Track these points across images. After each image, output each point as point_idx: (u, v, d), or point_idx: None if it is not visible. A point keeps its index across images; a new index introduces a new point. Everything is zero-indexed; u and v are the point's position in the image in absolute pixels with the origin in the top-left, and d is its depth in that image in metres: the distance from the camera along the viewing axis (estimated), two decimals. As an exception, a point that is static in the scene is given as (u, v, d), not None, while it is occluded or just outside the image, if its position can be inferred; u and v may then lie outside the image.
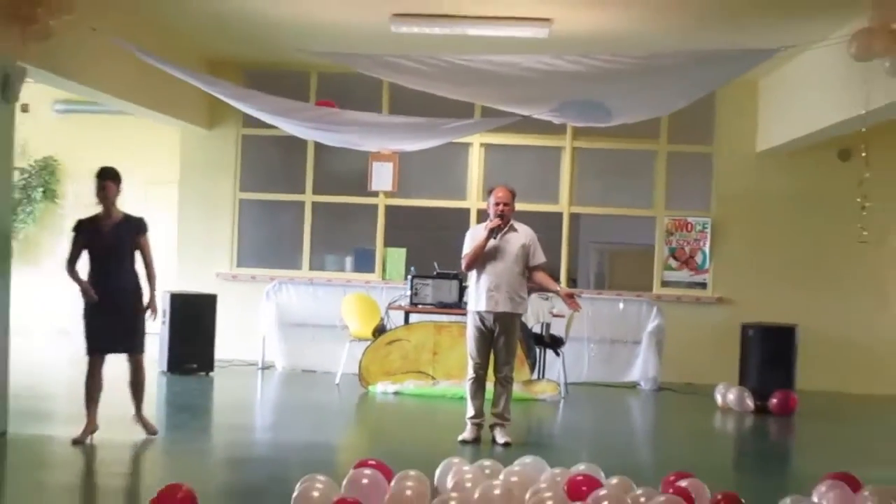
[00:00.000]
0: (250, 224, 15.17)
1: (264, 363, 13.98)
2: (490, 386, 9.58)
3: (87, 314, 8.74)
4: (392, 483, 6.50)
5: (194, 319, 13.16)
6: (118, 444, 8.72)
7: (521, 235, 9.48)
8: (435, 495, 6.37)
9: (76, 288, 8.74)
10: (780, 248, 14.33)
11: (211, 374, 13.20)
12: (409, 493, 6.28)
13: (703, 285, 14.52)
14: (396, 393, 12.20)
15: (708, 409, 12.31)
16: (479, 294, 9.42)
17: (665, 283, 14.58)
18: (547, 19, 11.16)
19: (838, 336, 13.91)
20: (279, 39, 12.74)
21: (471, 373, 9.52)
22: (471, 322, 9.53)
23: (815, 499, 6.58)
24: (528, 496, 6.29)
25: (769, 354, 12.38)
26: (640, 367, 13.75)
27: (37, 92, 11.93)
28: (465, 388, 9.64)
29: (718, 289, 14.46)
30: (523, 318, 9.92)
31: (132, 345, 8.93)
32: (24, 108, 9.86)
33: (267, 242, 15.29)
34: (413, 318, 12.96)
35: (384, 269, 14.83)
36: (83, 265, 8.82)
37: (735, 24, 11.19)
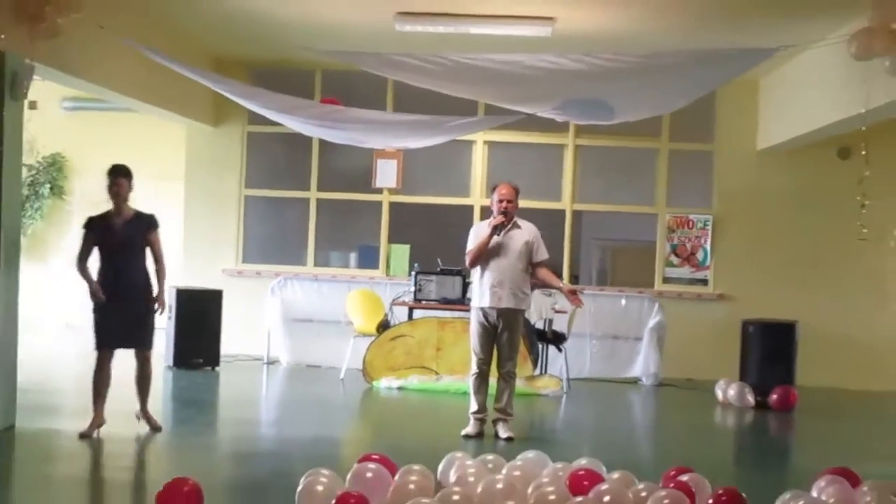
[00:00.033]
0: (256, 220, 15.23)
1: (269, 358, 14.04)
2: (493, 381, 9.65)
3: (98, 310, 8.79)
4: (396, 477, 6.57)
5: (200, 315, 13.21)
6: (125, 439, 8.78)
7: (525, 232, 9.53)
8: (438, 489, 6.41)
9: (85, 286, 8.80)
10: (781, 246, 14.38)
11: (216, 368, 13.25)
12: (412, 487, 6.34)
13: (704, 282, 14.57)
14: (400, 388, 12.27)
15: (708, 404, 12.36)
16: (482, 290, 9.48)
17: (666, 280, 14.64)
18: (550, 18, 11.20)
19: (838, 332, 13.96)
20: (285, 38, 12.77)
21: (474, 368, 9.58)
22: (474, 318, 9.59)
23: (814, 493, 6.60)
24: (530, 490, 6.34)
25: (769, 351, 12.43)
26: (642, 363, 13.81)
27: (45, 89, 11.96)
28: (469, 383, 9.68)
29: (719, 285, 14.51)
30: (526, 314, 9.97)
31: (141, 341, 9.00)
32: (33, 106, 9.88)
33: (272, 239, 15.34)
34: (417, 313, 13.00)
35: (388, 266, 14.88)
36: (93, 262, 8.88)
37: (736, 24, 11.22)
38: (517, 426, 9.67)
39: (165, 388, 11.82)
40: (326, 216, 15.12)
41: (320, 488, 6.22)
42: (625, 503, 6.15)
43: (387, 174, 14.73)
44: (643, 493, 6.33)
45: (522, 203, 9.75)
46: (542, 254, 9.58)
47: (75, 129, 17.21)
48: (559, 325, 12.93)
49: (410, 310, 13.01)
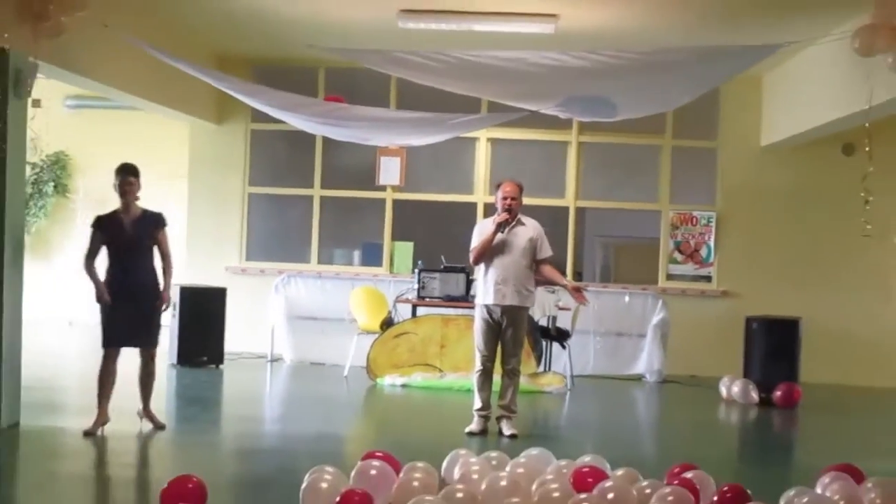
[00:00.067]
0: (259, 218, 15.24)
1: (273, 356, 14.06)
2: (497, 378, 9.66)
3: (105, 308, 8.80)
4: (400, 475, 6.58)
5: (204, 312, 13.22)
6: (129, 436, 8.79)
7: (529, 229, 9.53)
8: (442, 487, 6.42)
9: (90, 285, 8.79)
10: (784, 242, 14.38)
11: (220, 366, 13.26)
12: (416, 484, 6.34)
13: (707, 278, 14.57)
14: (404, 385, 12.28)
15: (712, 401, 12.36)
16: (486, 287, 9.49)
17: (670, 277, 14.64)
18: (553, 15, 11.21)
19: (842, 329, 13.96)
20: (288, 35, 12.78)
21: (478, 365, 9.59)
22: (478, 315, 9.60)
23: (818, 490, 6.60)
24: (534, 488, 6.35)
25: (773, 347, 12.44)
26: (646, 360, 13.81)
27: (48, 87, 12.00)
28: (473, 380, 9.70)
29: (723, 282, 14.51)
30: (529, 312, 9.98)
31: (148, 339, 9.02)
32: (36, 104, 9.90)
33: (275, 236, 15.36)
34: (420, 311, 13.00)
35: (392, 263, 14.88)
36: (100, 260, 8.89)
37: (739, 20, 11.21)
38: (521, 423, 9.68)
39: (169, 385, 11.84)
40: (330, 214, 15.13)
41: (324, 485, 6.22)
42: (629, 500, 6.16)
43: (390, 171, 14.73)
44: (647, 491, 6.33)
45: (526, 200, 9.76)
46: (546, 251, 9.58)
47: (79, 127, 17.29)
48: (563, 322, 12.92)
49: (414, 307, 13.01)
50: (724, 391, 12.43)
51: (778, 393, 11.95)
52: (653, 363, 13.73)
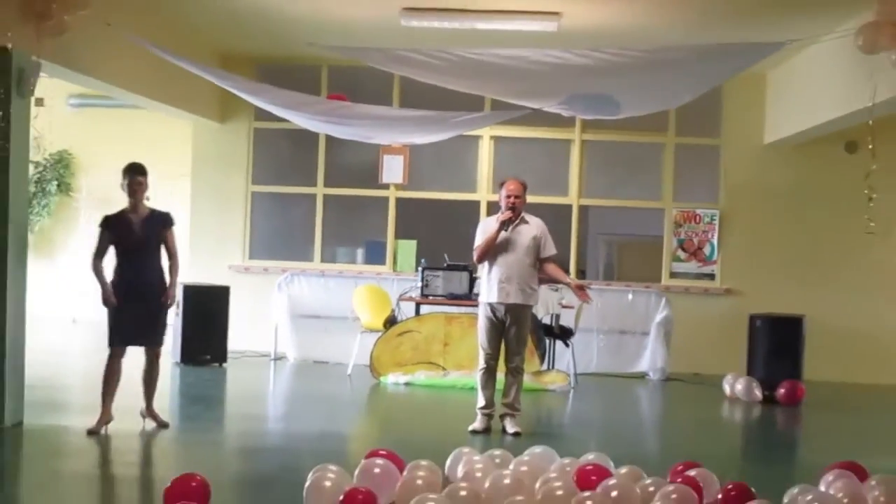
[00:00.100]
0: (262, 217, 15.25)
1: (276, 354, 14.06)
2: (501, 376, 9.66)
3: (115, 307, 8.83)
4: (404, 473, 6.58)
5: (207, 311, 13.23)
6: (132, 435, 8.80)
7: (533, 227, 9.54)
8: (445, 485, 6.42)
9: (97, 286, 8.79)
10: (788, 240, 14.37)
11: (224, 365, 13.27)
12: (420, 482, 6.35)
13: (711, 276, 14.57)
14: (407, 383, 12.28)
15: (716, 399, 12.36)
16: (490, 285, 9.49)
17: (673, 275, 14.63)
18: (555, 13, 11.21)
19: (845, 326, 13.96)
20: (291, 34, 12.78)
21: (482, 363, 9.59)
22: (482, 313, 9.60)
23: (822, 488, 6.60)
24: (538, 486, 6.35)
25: (776, 345, 12.44)
26: (649, 358, 13.81)
27: (51, 86, 11.98)
28: (476, 378, 9.70)
29: (726, 280, 14.51)
30: (533, 310, 9.98)
31: (154, 338, 9.04)
32: (39, 102, 9.89)
33: (279, 235, 15.36)
34: (424, 309, 13.02)
35: (395, 261, 14.89)
36: (107, 260, 8.89)
37: (742, 18, 11.21)
38: (524, 421, 9.68)
39: (173, 384, 11.84)
40: (333, 212, 15.13)
41: (328, 484, 6.22)
42: (632, 498, 6.17)
43: (393, 170, 14.74)
44: (651, 488, 6.34)
45: (529, 198, 9.75)
46: (550, 249, 9.59)
47: (82, 125, 17.30)
48: (566, 320, 12.93)
49: (417, 305, 13.03)
50: (727, 389, 12.44)
51: (781, 390, 11.95)
52: (656, 361, 13.73)
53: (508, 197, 9.45)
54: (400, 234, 14.95)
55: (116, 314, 8.82)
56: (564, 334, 12.86)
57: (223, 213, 15.03)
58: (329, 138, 14.18)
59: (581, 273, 15.00)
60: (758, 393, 12.05)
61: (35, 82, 8.87)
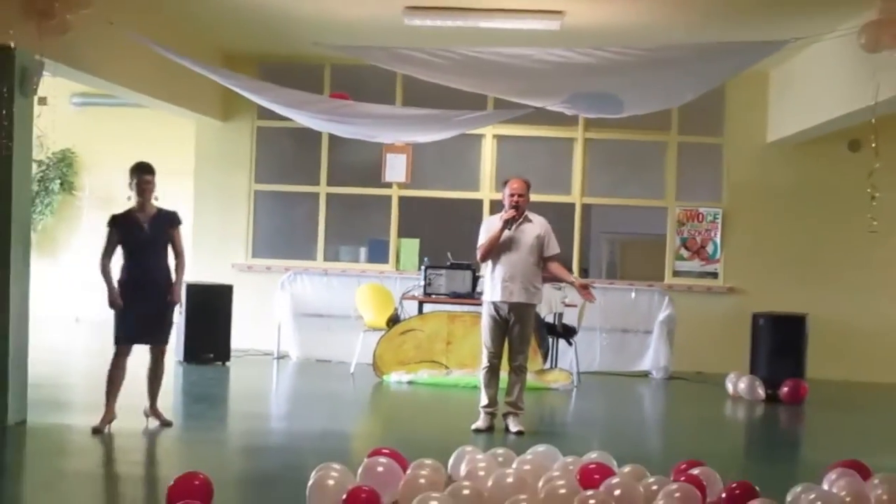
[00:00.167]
0: (265, 215, 15.25)
1: (279, 353, 14.07)
2: (504, 375, 9.66)
3: (119, 308, 8.84)
4: (407, 471, 6.58)
5: (210, 310, 13.23)
6: (135, 433, 8.81)
7: (536, 226, 9.54)
8: (449, 483, 6.42)
9: (103, 286, 8.78)
10: (791, 238, 14.37)
11: (227, 363, 13.29)
12: (423, 481, 6.34)
13: (714, 275, 14.57)
14: (410, 382, 12.29)
15: (719, 397, 12.36)
16: (494, 284, 9.49)
17: (676, 273, 14.63)
18: (559, 12, 11.20)
19: (848, 325, 13.96)
20: (294, 33, 12.79)
21: (485, 362, 9.59)
22: (486, 312, 9.60)
23: (825, 486, 6.60)
24: (540, 484, 6.35)
25: (779, 343, 12.43)
26: (652, 357, 13.81)
27: (54, 85, 11.96)
28: (479, 376, 9.70)
29: (729, 278, 14.51)
30: (536, 308, 9.98)
31: (160, 337, 9.06)
32: (42, 101, 9.89)
33: (282, 233, 15.36)
34: (427, 307, 13.03)
35: (398, 260, 14.89)
36: (114, 258, 8.90)
37: (744, 17, 11.20)
38: (527, 420, 9.69)
39: (176, 382, 11.85)
40: (336, 211, 15.14)
41: (331, 482, 6.22)
42: (635, 497, 6.16)
43: (396, 168, 14.74)
44: (654, 487, 6.34)
45: (532, 197, 9.74)
46: (554, 248, 9.59)
47: (85, 124, 17.32)
48: (569, 318, 12.94)
49: (420, 304, 13.04)
50: (730, 387, 12.44)
51: (784, 389, 11.95)
52: (659, 360, 13.73)
53: (512, 196, 9.45)
54: (403, 233, 14.95)
55: (123, 313, 8.82)
56: (567, 333, 12.87)
57: (226, 212, 15.03)
58: (332, 137, 14.18)
59: (584, 272, 15.01)
60: (761, 391, 12.05)
61: (38, 81, 8.87)
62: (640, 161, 14.99)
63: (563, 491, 6.09)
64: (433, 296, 12.84)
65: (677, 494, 6.06)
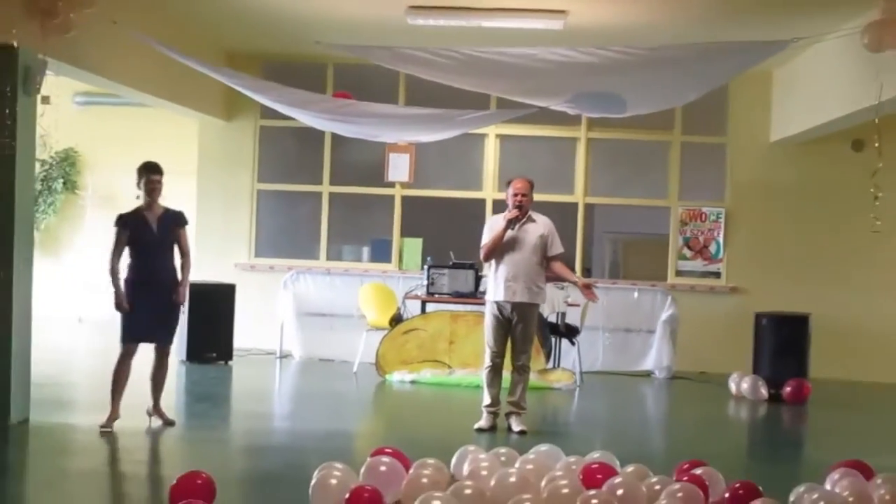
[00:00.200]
0: (268, 215, 15.24)
1: (282, 352, 14.07)
2: (506, 375, 9.65)
3: (129, 303, 8.85)
4: (410, 471, 6.58)
5: (213, 309, 13.21)
6: (138, 433, 8.81)
7: (540, 226, 9.53)
8: (451, 483, 6.42)
9: (111, 287, 8.79)
10: (794, 238, 14.36)
11: (230, 362, 13.29)
12: (425, 480, 6.35)
13: (716, 275, 14.56)
14: (413, 381, 12.29)
15: (722, 397, 12.36)
16: (497, 284, 9.48)
17: (679, 273, 14.61)
18: (562, 11, 11.19)
19: (851, 325, 13.94)
20: (297, 32, 12.78)
21: (488, 361, 9.59)
22: (489, 311, 9.60)
23: (828, 486, 6.61)
24: (543, 484, 6.35)
25: (782, 343, 12.41)
26: (655, 356, 13.80)
27: (57, 84, 11.99)
28: (482, 376, 9.71)
29: (732, 278, 14.49)
30: (539, 308, 9.97)
31: (165, 336, 9.08)
32: (45, 100, 9.91)
33: (284, 233, 15.35)
34: (429, 307, 13.02)
35: (401, 259, 14.89)
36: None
37: (748, 17, 11.19)
38: (530, 419, 9.69)
39: (179, 382, 11.85)
40: (339, 210, 15.13)
41: (334, 482, 6.22)
42: (638, 496, 6.16)
43: (399, 168, 14.74)
44: (657, 487, 6.34)
45: (535, 196, 9.73)
46: (557, 248, 9.58)
47: (88, 123, 17.31)
48: (572, 318, 12.93)
49: (423, 303, 13.03)
50: (733, 387, 12.43)
51: (787, 389, 11.94)
52: (662, 359, 13.72)
53: (516, 195, 9.45)
54: (406, 233, 14.94)
55: (131, 312, 8.81)
56: (570, 332, 12.85)
57: (229, 212, 15.03)
58: (335, 136, 14.17)
59: (587, 271, 15.01)
60: (764, 391, 12.05)
61: (41, 80, 8.90)
62: (643, 161, 14.97)
63: (565, 491, 6.09)
64: (436, 295, 12.84)
65: (680, 494, 6.07)
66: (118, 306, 8.78)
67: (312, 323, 14.15)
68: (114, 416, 8.79)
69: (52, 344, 13.68)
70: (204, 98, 13.83)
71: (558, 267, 9.61)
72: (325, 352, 13.96)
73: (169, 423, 9.08)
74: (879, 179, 8.69)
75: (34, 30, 8.44)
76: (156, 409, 9.10)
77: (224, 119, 14.83)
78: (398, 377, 12.34)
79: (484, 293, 9.94)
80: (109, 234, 8.91)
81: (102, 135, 17.29)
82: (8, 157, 8.72)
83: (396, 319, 12.82)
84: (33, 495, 7.01)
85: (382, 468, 6.51)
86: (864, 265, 14.12)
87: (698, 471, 6.71)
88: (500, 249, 9.44)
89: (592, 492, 6.02)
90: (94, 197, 17.30)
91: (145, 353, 9.02)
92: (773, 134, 14.29)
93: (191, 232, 8.95)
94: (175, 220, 9.06)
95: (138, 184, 8.89)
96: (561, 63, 8.75)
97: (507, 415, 9.55)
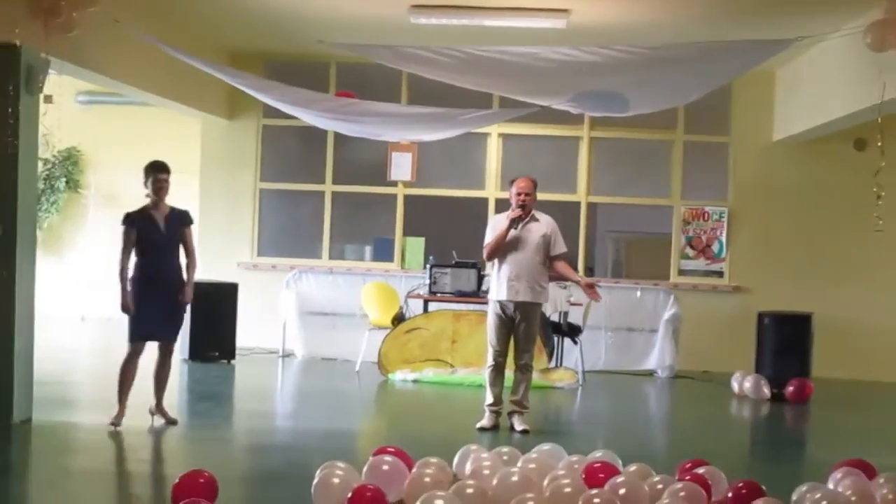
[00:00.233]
0: (271, 214, 15.25)
1: (285, 351, 14.08)
2: (509, 374, 9.65)
3: (136, 302, 8.85)
4: (412, 470, 6.58)
5: (216, 308, 13.20)
6: (141, 431, 8.81)
7: (543, 225, 9.53)
8: (454, 482, 6.42)
9: (118, 288, 8.80)
10: (796, 237, 14.35)
11: (232, 361, 13.29)
12: (428, 479, 6.35)
13: (719, 274, 14.55)
14: (415, 381, 12.29)
15: (724, 396, 12.36)
16: (500, 283, 9.48)
17: (682, 272, 14.61)
18: (564, 10, 11.19)
19: (854, 324, 13.93)
20: (299, 31, 12.79)
21: (490, 360, 9.59)
22: (491, 310, 9.60)
23: (830, 485, 6.62)
24: (545, 483, 6.35)
25: (785, 342, 12.42)
26: (657, 355, 13.80)
27: (60, 83, 11.98)
28: (485, 375, 9.70)
29: (735, 277, 14.49)
30: (542, 307, 9.97)
31: (170, 334, 9.10)
32: (48, 100, 9.91)
33: (287, 232, 15.36)
34: (432, 306, 13.02)
35: (403, 258, 14.89)
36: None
37: (751, 16, 11.19)
38: (532, 419, 9.69)
39: (181, 381, 11.86)
40: (341, 209, 15.14)
41: (336, 481, 6.22)
42: (640, 495, 6.16)
43: (401, 167, 14.73)
44: (659, 486, 6.34)
45: (537, 196, 9.72)
46: (560, 247, 9.58)
47: (90, 123, 17.32)
48: (574, 317, 12.94)
49: (425, 302, 13.03)
50: (735, 386, 12.44)
51: (790, 388, 11.94)
52: (664, 358, 13.72)
53: (519, 195, 9.44)
54: (408, 232, 14.94)
55: (137, 311, 8.83)
56: (573, 332, 12.86)
57: (232, 211, 15.03)
58: (337, 135, 14.17)
59: (589, 270, 15.01)
60: (766, 390, 12.05)
61: (44, 79, 8.91)
62: (645, 160, 14.97)
63: (568, 490, 6.09)
64: (438, 294, 12.84)
65: (682, 493, 6.07)
66: (124, 308, 8.79)
67: (315, 322, 14.15)
68: (122, 413, 8.80)
69: (54, 343, 13.69)
70: (207, 97, 13.84)
71: (561, 266, 9.61)
72: (328, 351, 13.96)
73: (171, 421, 9.08)
74: (882, 179, 8.67)
75: (37, 29, 8.44)
76: (158, 408, 9.11)
77: (227, 118, 14.84)
78: (400, 376, 12.35)
79: (486, 292, 9.94)
80: (113, 232, 8.95)
81: (105, 134, 17.31)
82: (10, 156, 8.73)
83: (399, 318, 12.83)
84: (36, 494, 7.02)
85: (385, 467, 6.51)
86: (867, 264, 14.11)
87: (701, 470, 6.71)
88: (503, 249, 9.43)
89: (595, 491, 6.02)
90: (96, 196, 17.32)
91: (148, 352, 9.02)
92: (776, 133, 14.28)
93: (194, 231, 8.98)
94: (181, 220, 9.09)
95: (145, 183, 8.90)
96: (563, 62, 8.75)
97: (510, 414, 9.55)
